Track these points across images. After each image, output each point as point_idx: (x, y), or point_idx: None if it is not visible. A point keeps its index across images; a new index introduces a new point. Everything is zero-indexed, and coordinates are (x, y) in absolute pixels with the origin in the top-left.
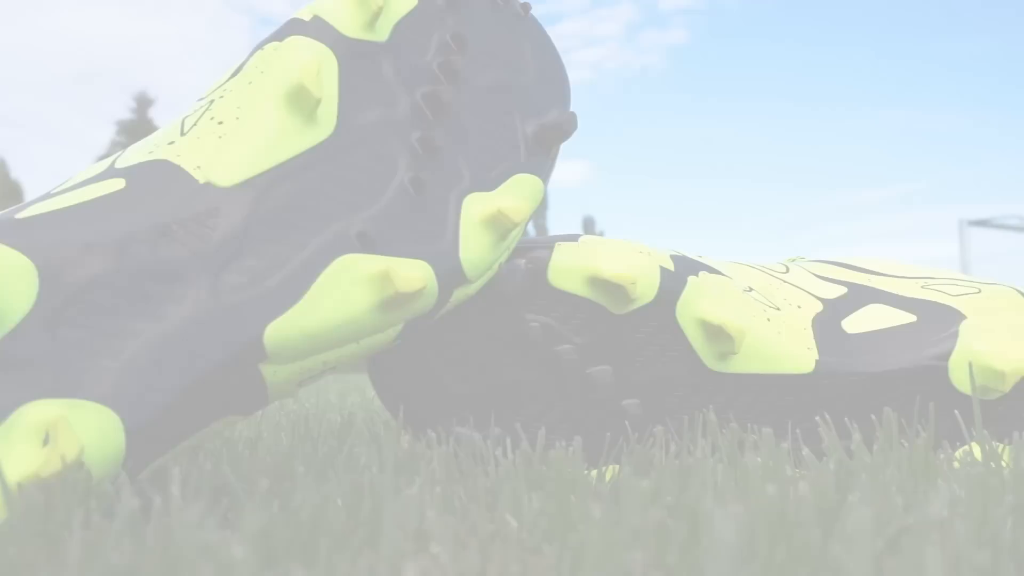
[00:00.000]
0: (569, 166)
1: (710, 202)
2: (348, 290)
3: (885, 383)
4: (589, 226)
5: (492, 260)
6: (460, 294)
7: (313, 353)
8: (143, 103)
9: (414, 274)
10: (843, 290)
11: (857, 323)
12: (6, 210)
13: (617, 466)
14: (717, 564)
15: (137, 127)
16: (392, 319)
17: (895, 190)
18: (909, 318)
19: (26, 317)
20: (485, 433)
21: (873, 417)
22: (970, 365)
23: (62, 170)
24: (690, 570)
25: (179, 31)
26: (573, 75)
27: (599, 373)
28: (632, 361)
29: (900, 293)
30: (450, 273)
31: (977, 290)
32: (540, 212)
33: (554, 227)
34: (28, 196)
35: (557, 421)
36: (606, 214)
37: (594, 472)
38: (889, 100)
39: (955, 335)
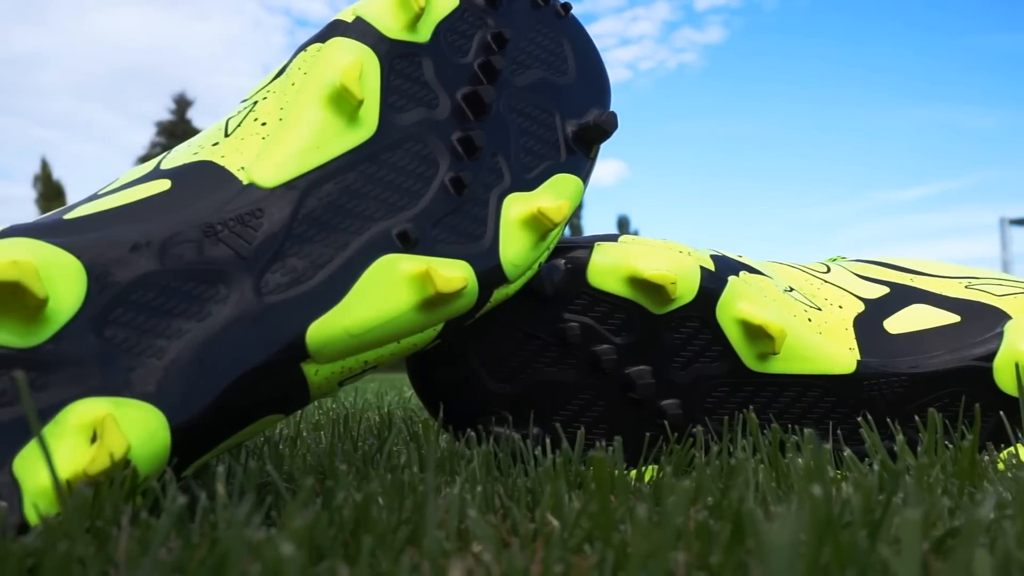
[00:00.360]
0: (604, 165)
1: (746, 201)
2: (389, 290)
3: (928, 384)
4: (624, 225)
5: (532, 260)
6: (500, 294)
7: (354, 352)
8: (182, 104)
9: (454, 274)
10: (885, 290)
11: (899, 323)
12: (54, 211)
13: (656, 466)
14: (764, 566)
15: (176, 128)
16: (432, 319)
17: (934, 188)
18: (952, 318)
19: (74, 316)
20: (524, 432)
21: (917, 418)
22: (1017, 366)
23: (103, 170)
24: (734, 571)
25: (217, 33)
26: (608, 74)
27: (638, 373)
28: (672, 361)
29: (943, 293)
30: (490, 273)
31: (1022, 290)
32: (575, 211)
33: (588, 226)
34: (70, 195)
35: (596, 421)
36: (641, 213)
37: (633, 472)
38: (928, 97)
39: (1000, 335)
